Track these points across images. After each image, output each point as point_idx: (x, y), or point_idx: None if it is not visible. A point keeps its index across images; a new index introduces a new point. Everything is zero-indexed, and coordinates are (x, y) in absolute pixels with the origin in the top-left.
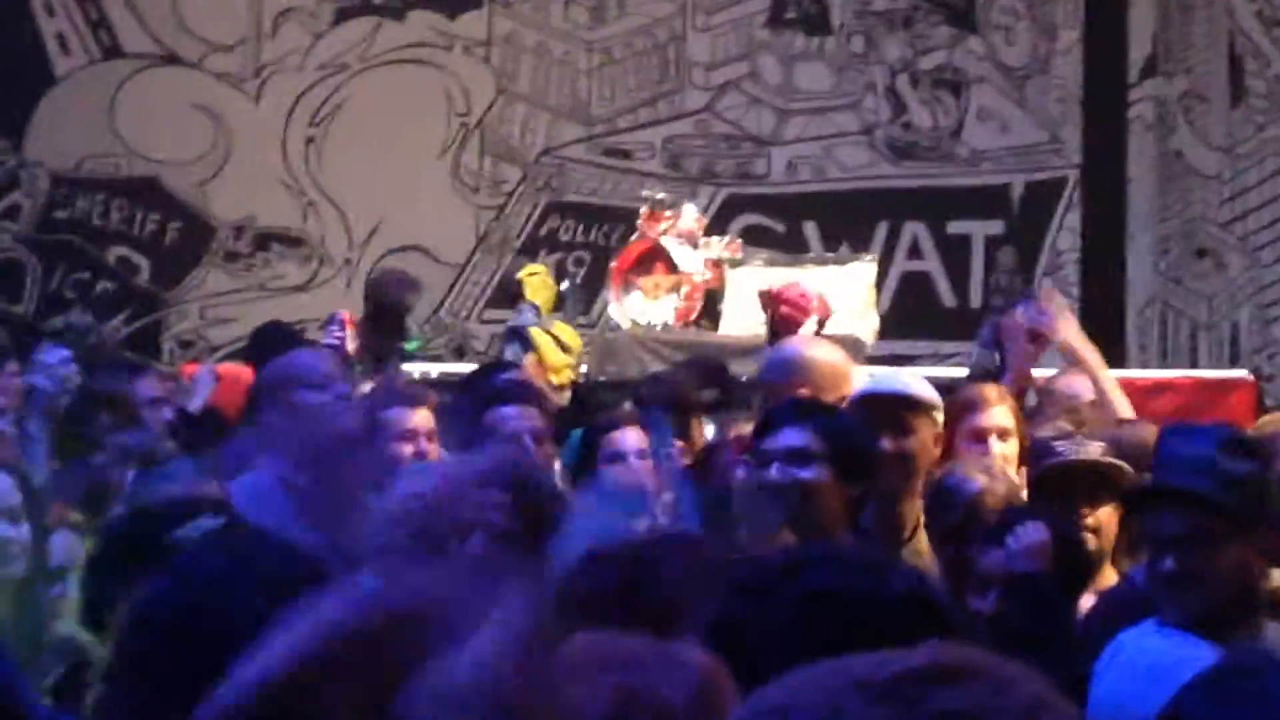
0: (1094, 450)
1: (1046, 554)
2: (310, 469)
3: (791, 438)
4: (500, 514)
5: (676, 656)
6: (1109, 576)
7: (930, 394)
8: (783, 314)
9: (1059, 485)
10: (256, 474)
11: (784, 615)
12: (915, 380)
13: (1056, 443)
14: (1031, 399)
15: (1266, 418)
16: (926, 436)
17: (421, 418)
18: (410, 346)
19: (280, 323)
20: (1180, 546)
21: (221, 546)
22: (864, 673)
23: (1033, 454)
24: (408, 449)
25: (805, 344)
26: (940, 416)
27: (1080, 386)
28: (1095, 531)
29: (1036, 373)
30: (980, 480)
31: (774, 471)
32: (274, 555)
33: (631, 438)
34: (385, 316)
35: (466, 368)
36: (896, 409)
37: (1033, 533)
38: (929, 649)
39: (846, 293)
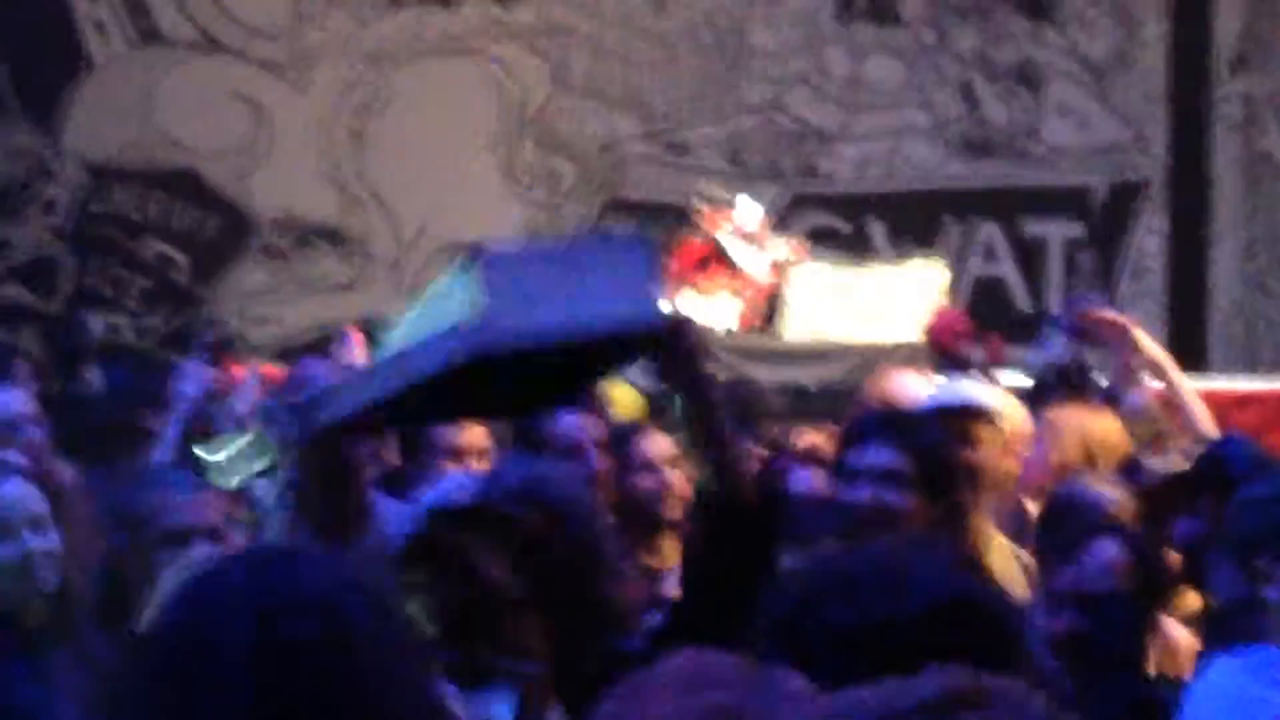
0: (1182, 465)
1: (1121, 572)
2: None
3: (882, 457)
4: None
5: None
6: (1192, 599)
7: (995, 403)
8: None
9: (1155, 502)
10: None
11: (812, 661)
12: (980, 389)
13: (1145, 459)
14: None
15: None
16: (993, 447)
17: (471, 435)
18: None
19: None
20: None
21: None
22: (880, 708)
23: (1127, 469)
24: (456, 468)
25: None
26: (1006, 425)
27: (1150, 398)
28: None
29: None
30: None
31: (864, 493)
32: (273, 583)
33: (663, 445)
34: None
35: None
36: (963, 420)
37: (1108, 549)
38: (934, 676)
39: (915, 297)
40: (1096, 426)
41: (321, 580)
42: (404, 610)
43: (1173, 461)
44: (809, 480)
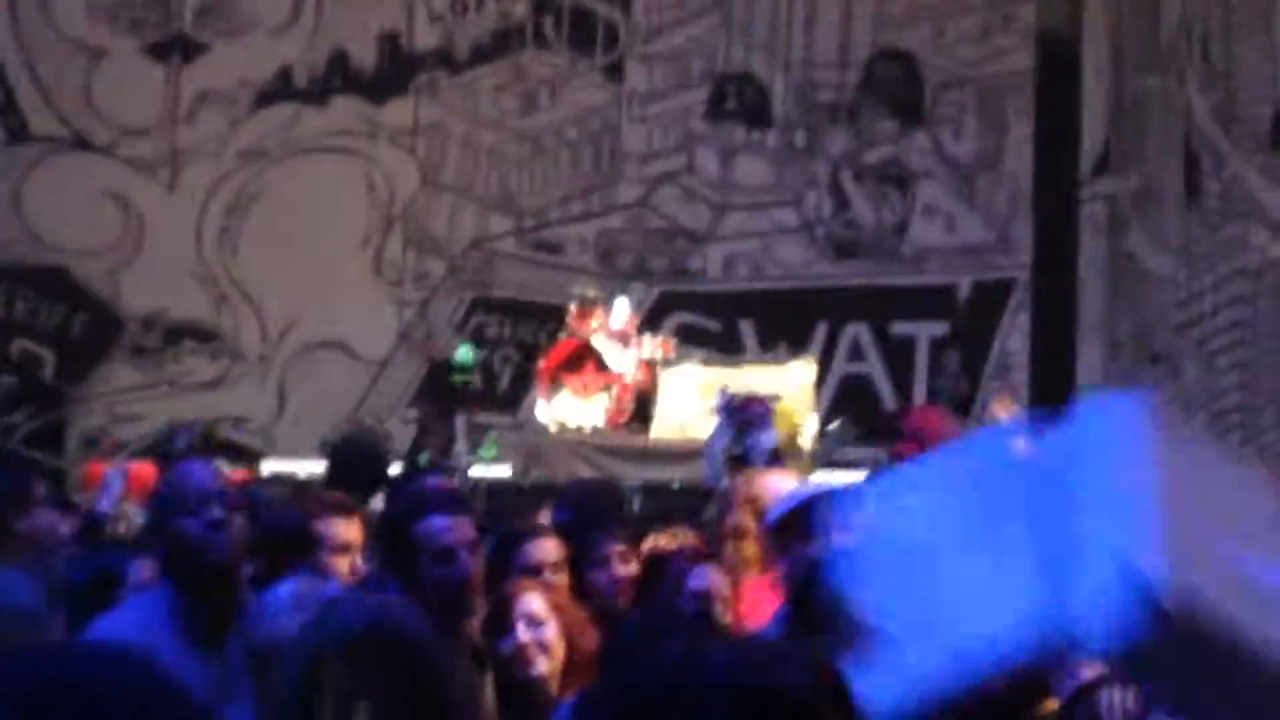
0: None
1: None
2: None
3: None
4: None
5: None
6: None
7: None
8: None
9: None
10: (148, 596)
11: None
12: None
13: None
14: None
15: None
16: None
17: (355, 529)
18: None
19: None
20: None
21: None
22: None
23: None
24: (343, 563)
25: None
26: None
27: None
28: None
29: None
30: None
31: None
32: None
33: (549, 549)
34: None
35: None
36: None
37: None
38: None
39: (784, 396)
40: None
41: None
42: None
43: None
44: (707, 576)
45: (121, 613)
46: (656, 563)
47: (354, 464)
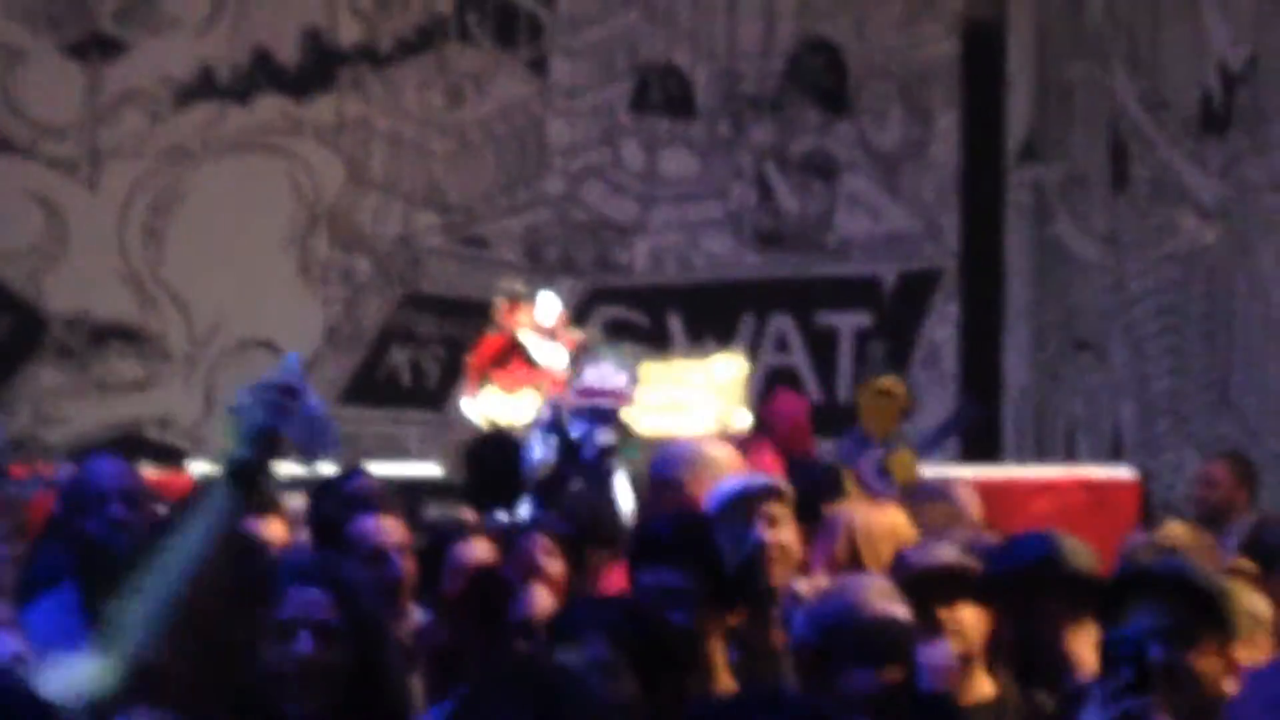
0: (946, 553)
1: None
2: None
3: (670, 579)
4: (324, 611)
5: None
6: (982, 685)
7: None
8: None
9: (914, 590)
10: (59, 593)
11: None
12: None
13: (908, 553)
14: None
15: (1172, 529)
16: (789, 525)
17: (274, 528)
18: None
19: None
20: (1167, 637)
21: None
22: None
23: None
24: None
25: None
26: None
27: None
28: (957, 634)
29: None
30: None
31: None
32: None
33: (480, 551)
34: None
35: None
36: (762, 500)
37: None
38: None
39: (714, 389)
40: (873, 521)
41: None
42: None
43: (947, 553)
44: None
45: (43, 605)
46: None
47: (495, 471)
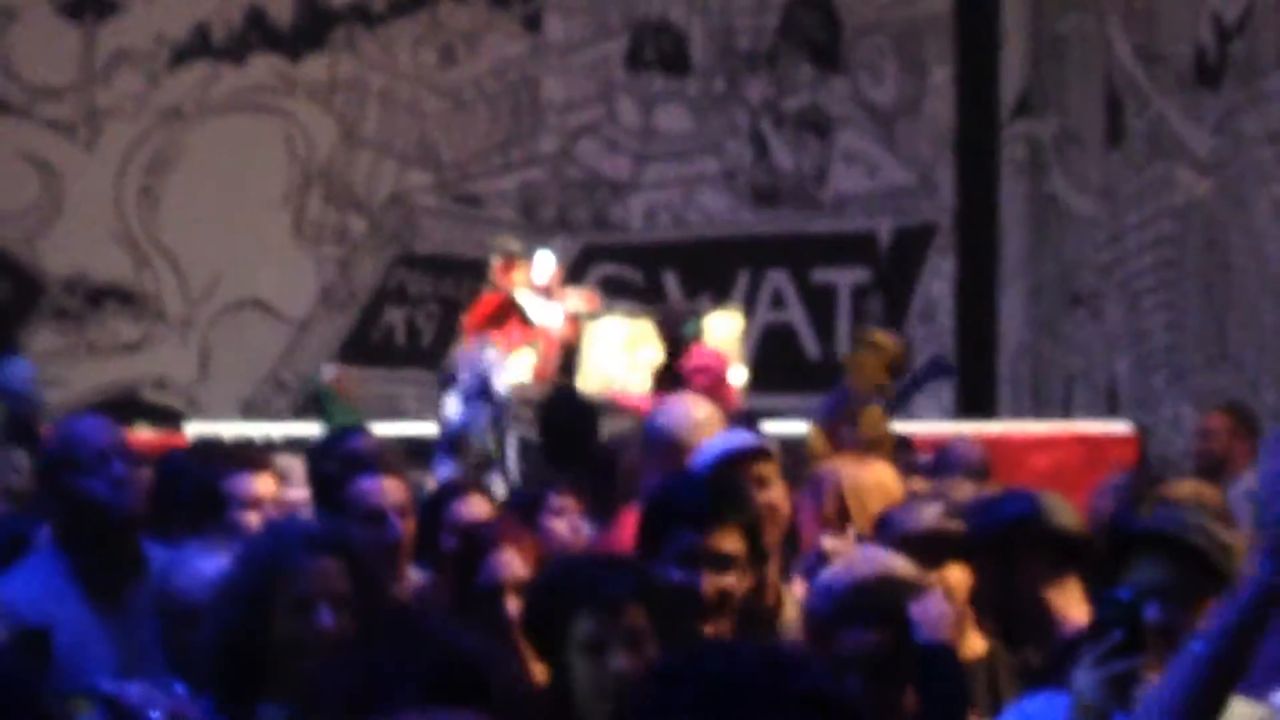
0: (929, 515)
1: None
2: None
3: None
4: (341, 583)
5: None
6: (974, 642)
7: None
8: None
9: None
10: (40, 558)
11: (687, 700)
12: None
13: (894, 512)
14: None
15: (1182, 486)
16: (779, 485)
17: (265, 483)
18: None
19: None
20: (1171, 597)
21: None
22: None
23: (877, 524)
24: (253, 518)
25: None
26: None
27: (977, 448)
28: (946, 594)
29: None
30: None
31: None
32: None
33: (478, 508)
34: None
35: (310, 428)
36: (752, 462)
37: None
38: None
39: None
40: (860, 477)
41: None
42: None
43: (923, 512)
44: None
45: (20, 574)
46: None
47: (571, 427)
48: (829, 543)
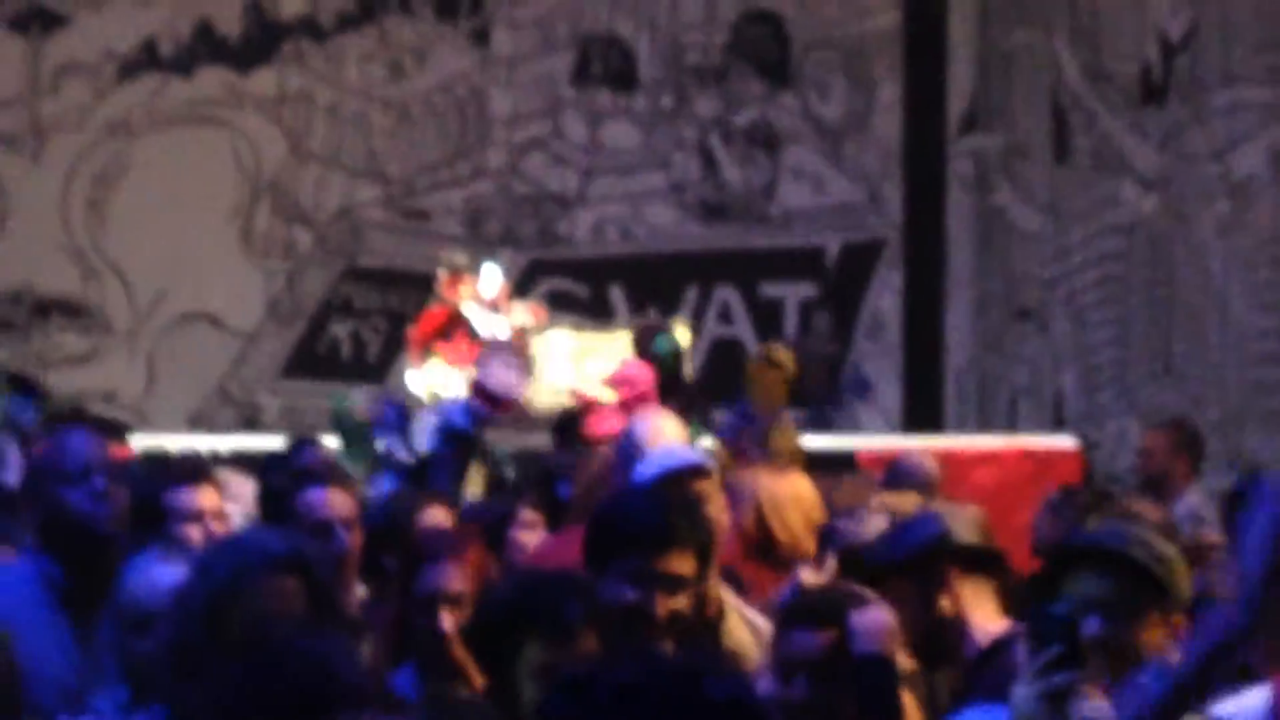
0: (874, 528)
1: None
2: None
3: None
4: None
5: None
6: (903, 659)
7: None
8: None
9: (852, 566)
10: (17, 564)
11: (600, 710)
12: (690, 447)
13: (840, 524)
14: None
15: (1141, 507)
16: (718, 502)
17: (208, 495)
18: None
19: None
20: (1108, 611)
21: None
22: None
23: (823, 536)
24: (195, 531)
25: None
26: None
27: (928, 461)
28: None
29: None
30: None
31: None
32: None
33: (439, 517)
34: None
35: (257, 441)
36: (692, 479)
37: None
38: None
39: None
40: (777, 490)
41: None
42: None
43: (873, 526)
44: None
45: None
46: None
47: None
48: (806, 575)
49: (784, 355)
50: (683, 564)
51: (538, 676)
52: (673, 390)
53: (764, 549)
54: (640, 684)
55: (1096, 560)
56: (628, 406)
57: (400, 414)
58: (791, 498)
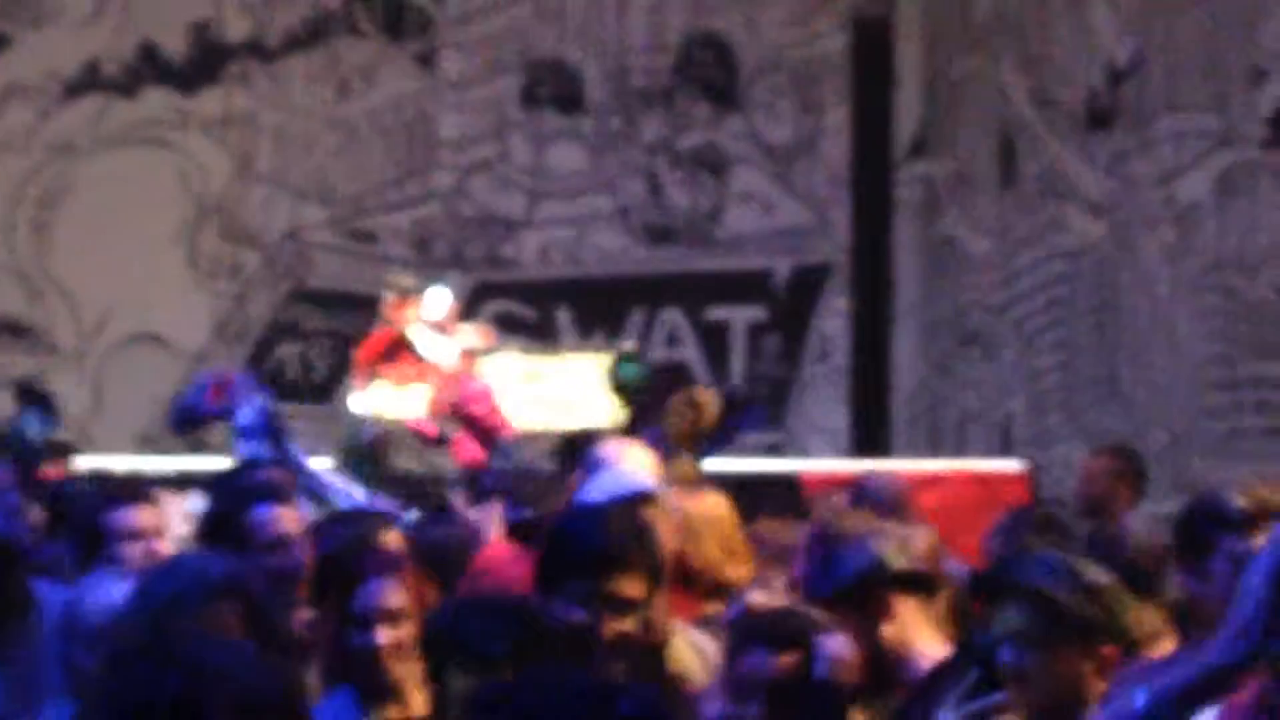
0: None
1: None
2: None
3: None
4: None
5: None
6: None
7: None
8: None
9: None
10: None
11: None
12: (638, 473)
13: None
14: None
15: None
16: (667, 529)
17: (147, 514)
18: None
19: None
20: (1023, 641)
21: None
22: None
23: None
24: (136, 549)
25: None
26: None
27: (898, 483)
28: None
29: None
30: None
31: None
32: None
33: (391, 539)
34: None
35: (203, 463)
36: (640, 507)
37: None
38: None
39: (603, 383)
40: (691, 510)
41: None
42: None
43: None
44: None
45: None
46: None
47: None
48: (756, 596)
49: (707, 399)
50: (632, 587)
51: (459, 705)
52: (642, 417)
53: (682, 575)
54: (553, 702)
55: (1014, 591)
56: (481, 421)
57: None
58: (708, 518)
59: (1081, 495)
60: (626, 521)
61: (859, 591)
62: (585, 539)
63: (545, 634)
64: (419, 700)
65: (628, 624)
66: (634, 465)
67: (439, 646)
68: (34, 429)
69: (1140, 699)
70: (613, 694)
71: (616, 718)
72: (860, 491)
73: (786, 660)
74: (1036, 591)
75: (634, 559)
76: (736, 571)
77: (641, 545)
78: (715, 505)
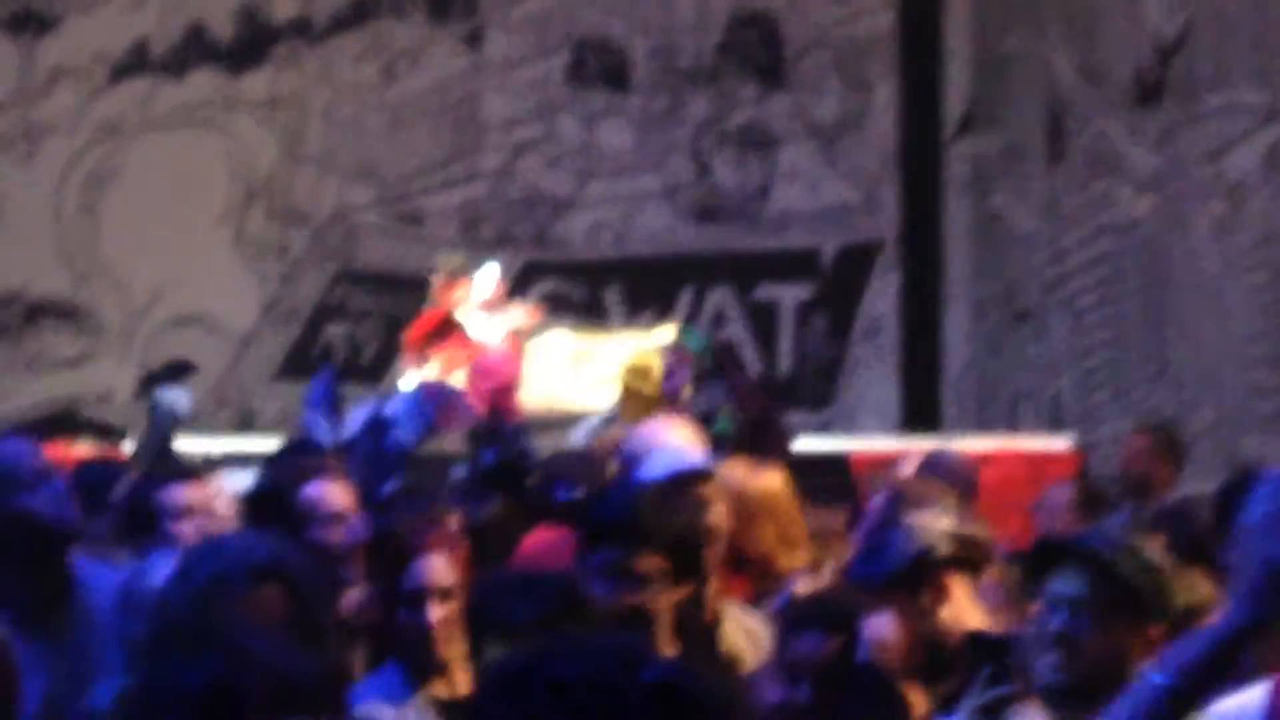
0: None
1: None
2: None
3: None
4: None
5: None
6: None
7: (708, 460)
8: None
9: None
10: None
11: (533, 695)
12: (694, 450)
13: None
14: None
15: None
16: (721, 507)
17: (197, 493)
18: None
19: None
20: (1079, 607)
21: None
22: None
23: None
24: (188, 527)
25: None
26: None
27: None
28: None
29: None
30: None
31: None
32: None
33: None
34: None
35: (251, 443)
36: (695, 485)
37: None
38: None
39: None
40: (750, 486)
41: None
42: None
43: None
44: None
45: None
46: None
47: None
48: (802, 583)
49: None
50: (648, 561)
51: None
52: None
53: (735, 559)
54: (575, 668)
55: (1076, 559)
56: (486, 397)
57: (329, 392)
58: (763, 503)
59: (1122, 473)
60: (655, 498)
61: (912, 576)
62: (608, 514)
63: (576, 605)
64: (464, 679)
65: (642, 598)
66: (682, 441)
67: (474, 620)
68: (182, 404)
69: (1158, 676)
70: (636, 661)
71: (639, 685)
72: (930, 466)
73: (834, 643)
74: (1098, 558)
75: (652, 534)
76: (791, 561)
77: (663, 522)
78: (772, 482)
